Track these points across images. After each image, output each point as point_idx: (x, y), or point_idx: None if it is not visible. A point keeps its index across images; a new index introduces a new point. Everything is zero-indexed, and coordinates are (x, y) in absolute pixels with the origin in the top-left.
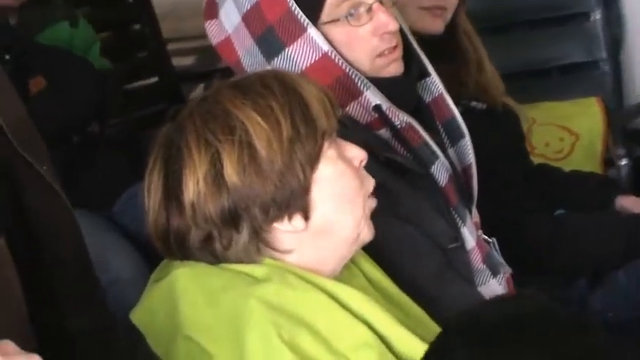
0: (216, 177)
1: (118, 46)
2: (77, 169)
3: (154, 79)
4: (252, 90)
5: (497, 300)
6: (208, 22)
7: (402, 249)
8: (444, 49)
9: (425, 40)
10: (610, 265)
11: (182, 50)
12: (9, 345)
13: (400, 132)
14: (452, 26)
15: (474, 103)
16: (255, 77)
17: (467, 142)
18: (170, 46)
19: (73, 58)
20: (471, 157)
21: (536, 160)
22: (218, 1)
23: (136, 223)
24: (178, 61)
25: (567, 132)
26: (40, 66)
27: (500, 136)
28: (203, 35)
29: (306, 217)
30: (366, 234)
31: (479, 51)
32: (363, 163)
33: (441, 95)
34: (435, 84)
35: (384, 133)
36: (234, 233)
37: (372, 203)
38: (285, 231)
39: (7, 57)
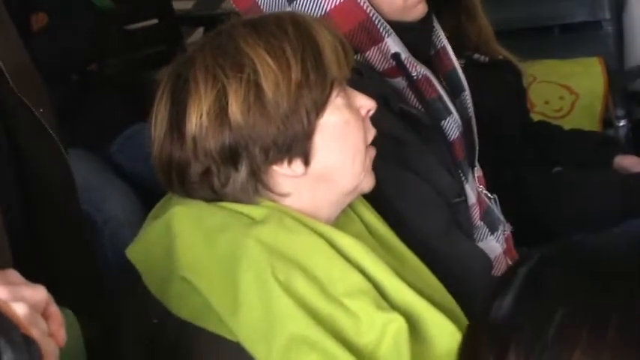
0: (220, 113)
1: None
2: (76, 108)
3: (153, 21)
4: (266, 30)
5: None
6: None
7: (412, 202)
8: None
9: None
10: (607, 223)
11: None
12: (13, 274)
13: (416, 83)
14: None
15: (476, 56)
16: (271, 18)
17: (467, 95)
18: None
19: None
20: (470, 111)
21: (535, 117)
22: None
23: (133, 164)
24: (178, 5)
25: (567, 91)
26: (42, 2)
27: (502, 89)
28: None
29: (307, 163)
30: (366, 184)
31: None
32: (371, 113)
33: (443, 47)
34: (439, 36)
35: (399, 82)
36: (233, 171)
37: (372, 153)
38: (284, 174)
39: None
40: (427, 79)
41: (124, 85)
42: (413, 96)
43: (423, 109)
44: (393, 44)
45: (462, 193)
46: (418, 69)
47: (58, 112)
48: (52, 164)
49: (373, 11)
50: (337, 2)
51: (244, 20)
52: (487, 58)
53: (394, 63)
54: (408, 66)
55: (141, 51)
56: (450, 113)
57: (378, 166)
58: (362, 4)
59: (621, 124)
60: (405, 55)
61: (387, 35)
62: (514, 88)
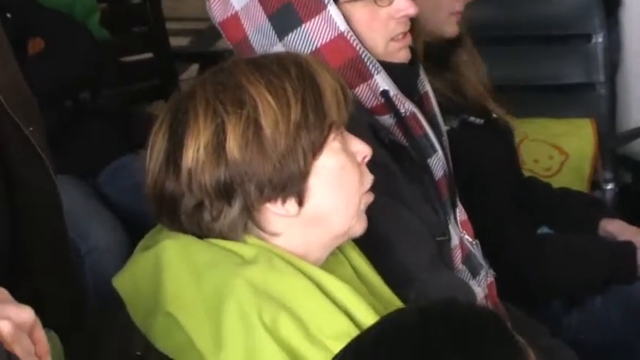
0: (217, 148)
1: (117, 18)
2: (67, 134)
3: (148, 55)
4: (268, 69)
5: None
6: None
7: (400, 231)
8: (449, 57)
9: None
10: (589, 290)
11: (178, 30)
12: (2, 292)
13: (404, 120)
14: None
15: (471, 118)
16: (274, 57)
17: (445, 141)
18: (167, 25)
19: (73, 24)
20: (448, 156)
21: (524, 174)
22: None
23: (119, 195)
24: (174, 41)
25: (557, 150)
26: (40, 28)
27: (495, 151)
28: (200, 17)
29: (300, 203)
30: (357, 228)
31: (478, 64)
32: (367, 159)
33: (426, 93)
34: (422, 82)
35: (386, 119)
36: (226, 206)
37: (369, 198)
38: (277, 213)
39: (9, 15)
40: (414, 116)
41: (115, 117)
42: (400, 133)
43: (410, 147)
44: (382, 81)
45: (447, 232)
46: (406, 106)
47: (50, 138)
48: (40, 183)
49: (363, 49)
50: (327, 39)
51: (246, 59)
52: (482, 120)
53: (383, 100)
54: (396, 103)
55: (134, 84)
56: (435, 151)
57: None
58: (352, 41)
59: (609, 187)
60: (393, 92)
61: (376, 73)
62: (508, 150)
